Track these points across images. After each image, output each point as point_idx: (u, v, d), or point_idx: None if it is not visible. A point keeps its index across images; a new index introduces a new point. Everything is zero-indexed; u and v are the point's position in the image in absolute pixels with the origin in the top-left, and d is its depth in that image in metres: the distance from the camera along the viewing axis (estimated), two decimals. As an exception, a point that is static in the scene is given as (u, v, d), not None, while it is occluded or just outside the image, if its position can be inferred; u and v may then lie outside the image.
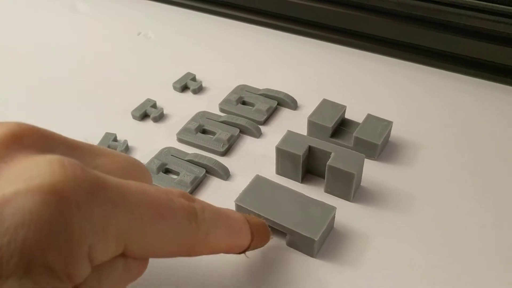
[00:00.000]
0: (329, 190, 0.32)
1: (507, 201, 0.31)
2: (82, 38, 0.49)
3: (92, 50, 0.47)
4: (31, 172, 0.17)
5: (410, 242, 0.29)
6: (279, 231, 0.28)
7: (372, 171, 0.33)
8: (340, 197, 0.31)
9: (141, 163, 0.23)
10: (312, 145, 0.31)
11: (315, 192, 0.32)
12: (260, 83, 0.40)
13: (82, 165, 0.18)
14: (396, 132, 0.36)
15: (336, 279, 0.27)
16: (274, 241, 0.29)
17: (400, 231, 0.29)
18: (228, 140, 0.35)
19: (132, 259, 0.20)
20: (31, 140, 0.19)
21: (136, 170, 0.23)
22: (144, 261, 0.22)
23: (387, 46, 0.44)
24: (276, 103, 0.38)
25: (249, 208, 0.28)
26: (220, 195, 0.32)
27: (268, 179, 0.30)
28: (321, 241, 0.28)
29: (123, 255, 0.20)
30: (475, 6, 0.39)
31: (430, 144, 0.35)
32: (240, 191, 0.30)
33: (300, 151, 0.31)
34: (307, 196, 0.29)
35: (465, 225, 0.29)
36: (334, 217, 0.29)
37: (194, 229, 0.21)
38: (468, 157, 0.34)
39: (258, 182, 0.30)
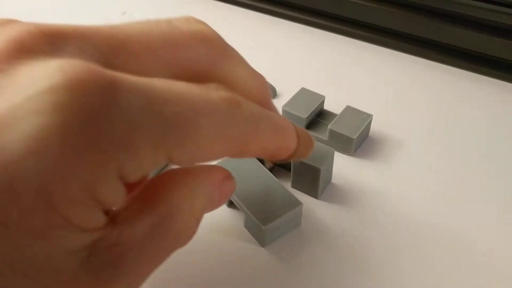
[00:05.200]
0: (296, 186, 0.29)
1: (488, 205, 0.28)
2: (62, 15, 0.47)
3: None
4: (32, 83, 0.14)
5: (377, 245, 0.26)
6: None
7: (346, 168, 0.31)
8: (307, 194, 0.29)
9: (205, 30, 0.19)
10: (279, 136, 0.29)
11: (282, 186, 0.30)
12: (241, 69, 0.38)
13: (96, 66, 0.15)
14: (377, 126, 0.33)
15: (279, 277, 0.25)
16: (233, 218, 0.27)
17: (368, 234, 0.27)
18: (196, 127, 0.33)
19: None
20: (34, 43, 0.16)
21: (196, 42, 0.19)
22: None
23: (378, 34, 0.41)
24: (253, 90, 0.36)
25: None
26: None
27: None
28: (274, 232, 0.26)
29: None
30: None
31: (413, 141, 0.33)
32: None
33: (265, 143, 0.29)
34: (281, 184, 0.27)
35: (440, 232, 0.27)
36: (299, 213, 0.27)
37: (241, 120, 0.18)
38: (451, 157, 0.31)
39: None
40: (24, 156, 0.13)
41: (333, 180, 0.30)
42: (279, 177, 0.30)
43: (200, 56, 0.19)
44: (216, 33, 0.20)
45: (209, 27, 0.20)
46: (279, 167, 0.31)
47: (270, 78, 0.37)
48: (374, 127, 0.33)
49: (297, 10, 0.44)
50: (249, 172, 0.27)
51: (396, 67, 0.39)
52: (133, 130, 0.15)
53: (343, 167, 0.31)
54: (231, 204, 0.28)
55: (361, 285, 0.25)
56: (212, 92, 0.18)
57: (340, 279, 0.25)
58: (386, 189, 0.29)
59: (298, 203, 0.26)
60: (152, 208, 0.17)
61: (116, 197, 0.16)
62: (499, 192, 0.29)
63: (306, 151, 0.24)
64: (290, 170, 0.29)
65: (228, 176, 0.21)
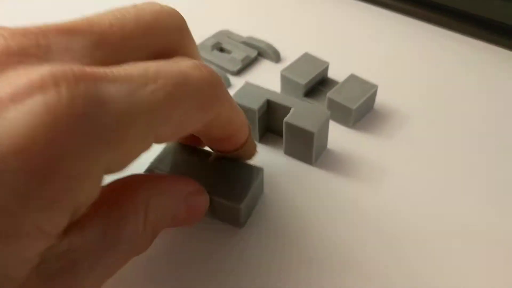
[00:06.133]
0: (288, 152, 0.28)
1: (494, 189, 0.26)
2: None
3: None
4: (22, 85, 0.14)
5: (371, 221, 0.25)
6: None
7: (344, 139, 0.29)
8: (301, 160, 0.27)
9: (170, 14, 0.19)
10: (270, 98, 0.27)
11: (274, 153, 0.28)
12: (246, 30, 0.36)
13: (80, 67, 0.15)
14: (384, 98, 0.31)
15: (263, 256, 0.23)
16: None
17: (364, 209, 0.25)
18: (190, 86, 0.31)
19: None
20: (20, 48, 0.15)
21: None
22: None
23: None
24: (256, 53, 0.34)
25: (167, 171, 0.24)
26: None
27: (181, 144, 0.25)
28: (248, 208, 0.24)
29: None
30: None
31: (419, 115, 0.30)
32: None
33: (256, 105, 0.27)
34: (228, 158, 0.24)
35: (439, 214, 0.25)
36: (262, 179, 0.25)
37: (211, 81, 0.18)
38: (459, 136, 0.29)
39: (172, 146, 0.25)
40: (8, 153, 0.13)
41: (330, 147, 0.28)
42: (269, 144, 0.29)
43: (168, 32, 0.19)
44: (176, 10, 0.20)
45: (168, 6, 0.20)
46: (272, 133, 0.29)
47: (273, 41, 0.35)
48: (380, 99, 0.31)
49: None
50: (196, 160, 0.24)
51: (412, 36, 0.36)
52: (121, 122, 0.15)
53: (341, 139, 0.29)
54: None
55: (345, 258, 0.23)
56: (181, 63, 0.18)
57: (324, 250, 0.23)
58: (386, 164, 0.27)
59: (259, 169, 0.24)
60: (105, 214, 0.17)
61: (93, 195, 0.15)
62: (506, 175, 0.27)
63: (253, 150, 0.24)
64: (281, 136, 0.27)
65: (198, 190, 0.21)
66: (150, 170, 0.24)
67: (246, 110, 0.27)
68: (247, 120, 0.23)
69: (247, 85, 0.28)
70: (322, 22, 0.38)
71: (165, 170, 0.24)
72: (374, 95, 0.30)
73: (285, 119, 0.26)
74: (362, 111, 0.30)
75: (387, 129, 0.29)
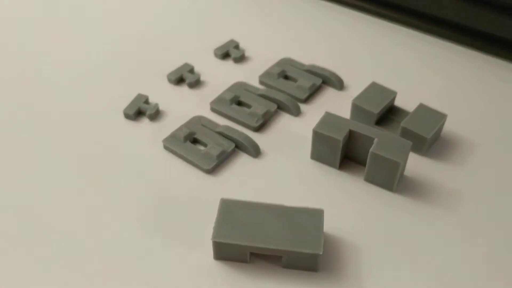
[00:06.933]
0: (370, 179, 0.29)
1: None
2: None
3: (135, 9, 0.45)
4: None
5: (451, 243, 0.26)
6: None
7: (418, 167, 0.30)
8: (382, 187, 0.28)
9: None
10: (353, 129, 0.28)
11: (353, 180, 0.29)
12: (307, 58, 0.37)
13: None
14: (450, 126, 0.32)
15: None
16: (267, 266, 0.25)
17: (440, 231, 0.26)
18: (264, 115, 0.32)
19: None
20: None
21: None
22: None
23: (456, 32, 0.39)
24: (320, 80, 0.35)
25: (231, 242, 0.23)
26: (247, 173, 0.29)
27: (235, 201, 0.25)
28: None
29: None
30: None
31: (486, 143, 0.31)
32: (269, 171, 0.27)
33: (340, 136, 0.28)
34: (286, 206, 0.25)
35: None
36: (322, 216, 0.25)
37: None
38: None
39: (227, 208, 0.25)
40: None
41: (406, 174, 0.29)
42: (350, 170, 0.30)
43: None
44: None
45: None
46: (350, 160, 0.30)
47: (338, 69, 0.36)
48: (446, 127, 0.32)
49: (370, 1, 0.42)
50: (252, 216, 0.25)
51: (474, 66, 0.38)
52: None
53: (416, 166, 0.30)
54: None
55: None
56: None
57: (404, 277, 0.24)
58: (461, 190, 0.28)
59: (320, 211, 0.25)
60: None
61: None
62: None
63: None
64: (362, 163, 0.29)
65: None
66: (215, 237, 0.24)
67: (331, 139, 0.28)
68: None
69: (328, 115, 0.29)
70: (381, 51, 0.40)
71: (230, 235, 0.24)
72: (443, 124, 0.31)
73: (371, 149, 0.27)
74: (433, 139, 0.31)
75: (457, 156, 0.31)
